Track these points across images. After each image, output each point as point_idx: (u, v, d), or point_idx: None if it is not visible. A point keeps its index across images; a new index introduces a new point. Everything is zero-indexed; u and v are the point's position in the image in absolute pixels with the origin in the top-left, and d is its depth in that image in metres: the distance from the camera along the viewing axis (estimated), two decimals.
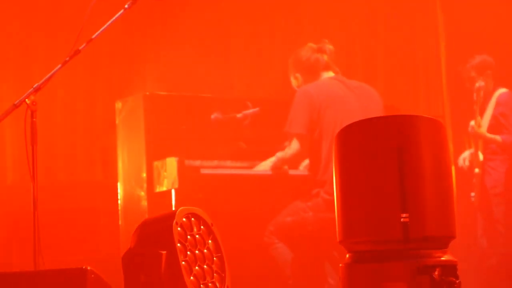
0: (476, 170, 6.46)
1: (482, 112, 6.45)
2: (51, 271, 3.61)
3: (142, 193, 5.44)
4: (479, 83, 6.41)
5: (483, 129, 6.39)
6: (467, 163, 6.47)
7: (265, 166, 5.31)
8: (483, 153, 6.44)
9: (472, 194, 6.52)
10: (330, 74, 5.34)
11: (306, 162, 5.41)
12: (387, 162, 2.84)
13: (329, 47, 5.37)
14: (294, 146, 5.18)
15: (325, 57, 5.32)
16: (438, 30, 7.04)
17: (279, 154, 5.27)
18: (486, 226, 6.44)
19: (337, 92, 5.22)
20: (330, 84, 5.28)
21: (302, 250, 5.14)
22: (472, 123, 6.43)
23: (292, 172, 5.35)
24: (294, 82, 5.42)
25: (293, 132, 5.17)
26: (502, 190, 6.37)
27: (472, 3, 6.84)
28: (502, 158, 6.40)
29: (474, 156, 6.47)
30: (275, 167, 5.28)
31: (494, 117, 6.43)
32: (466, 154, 6.54)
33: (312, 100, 5.15)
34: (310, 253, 5.14)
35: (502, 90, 6.51)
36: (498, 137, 6.37)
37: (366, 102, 5.25)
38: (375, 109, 5.24)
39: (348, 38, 7.30)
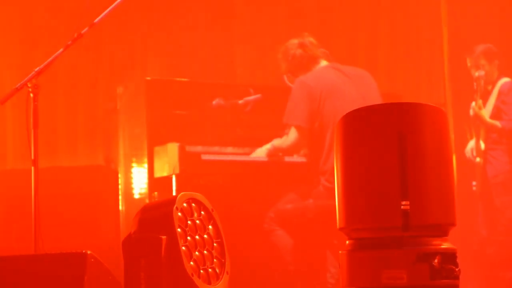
0: (478, 159, 6.45)
1: (484, 102, 6.43)
2: (51, 255, 3.62)
3: (143, 179, 5.44)
4: (479, 72, 6.40)
5: (484, 112, 6.37)
6: (475, 153, 6.45)
7: (260, 153, 5.29)
8: (485, 143, 6.43)
9: (474, 183, 6.51)
10: (324, 63, 5.31)
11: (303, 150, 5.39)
12: (388, 150, 2.83)
13: (309, 39, 5.33)
14: (292, 136, 5.15)
15: (309, 51, 5.29)
16: (441, 18, 7.02)
17: (276, 142, 5.24)
18: (487, 215, 6.44)
19: (335, 81, 5.20)
20: (327, 73, 5.25)
21: (302, 237, 5.14)
22: (473, 104, 6.40)
23: (288, 159, 5.33)
24: (287, 81, 5.38)
25: (291, 123, 5.14)
26: (503, 179, 6.36)
27: None
28: (504, 148, 6.39)
29: (476, 145, 6.45)
30: (270, 155, 5.26)
31: (496, 107, 6.41)
32: (472, 144, 6.51)
33: (311, 91, 5.12)
34: (310, 240, 5.14)
35: (505, 80, 6.50)
36: (498, 123, 6.36)
37: (365, 89, 5.23)
38: (374, 95, 5.23)
39: (350, 25, 7.29)
